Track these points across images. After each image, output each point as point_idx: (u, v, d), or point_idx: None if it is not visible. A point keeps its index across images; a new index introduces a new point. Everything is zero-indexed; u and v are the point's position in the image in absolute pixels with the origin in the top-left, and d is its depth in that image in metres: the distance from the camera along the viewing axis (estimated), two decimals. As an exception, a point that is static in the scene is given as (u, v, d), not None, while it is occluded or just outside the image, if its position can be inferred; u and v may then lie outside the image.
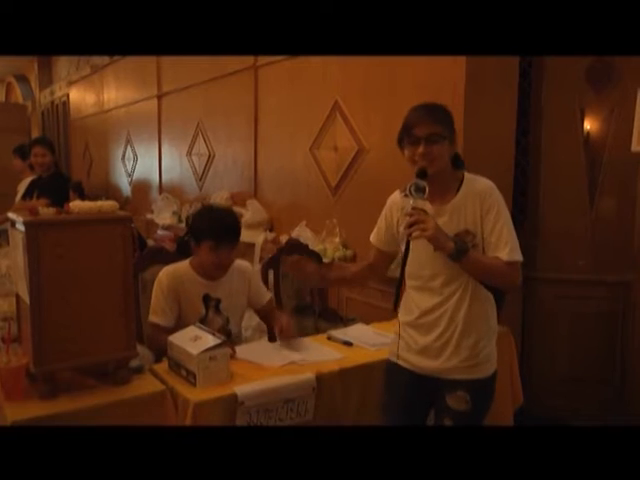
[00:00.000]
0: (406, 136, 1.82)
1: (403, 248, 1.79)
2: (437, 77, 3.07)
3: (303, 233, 3.96)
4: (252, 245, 4.36)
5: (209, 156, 5.35)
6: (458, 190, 1.84)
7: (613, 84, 3.21)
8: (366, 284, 2.14)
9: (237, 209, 4.65)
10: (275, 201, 4.52)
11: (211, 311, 2.44)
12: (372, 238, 2.06)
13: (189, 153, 5.70)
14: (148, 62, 6.16)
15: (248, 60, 4.54)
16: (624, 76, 3.16)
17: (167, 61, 5.88)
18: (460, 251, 1.73)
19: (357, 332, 2.52)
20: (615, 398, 3.29)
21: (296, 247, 3.17)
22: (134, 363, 1.96)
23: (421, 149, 1.77)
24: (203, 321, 2.35)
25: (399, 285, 1.82)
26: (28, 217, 1.73)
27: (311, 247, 3.34)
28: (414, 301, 1.90)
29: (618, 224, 3.25)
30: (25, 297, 1.77)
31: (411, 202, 1.74)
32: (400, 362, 1.95)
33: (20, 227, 1.74)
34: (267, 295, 2.64)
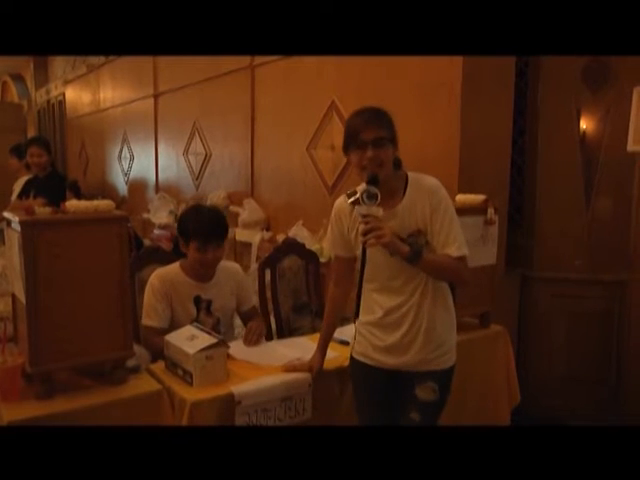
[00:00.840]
0: (352, 142, 1.81)
1: (359, 254, 1.78)
2: (434, 77, 3.07)
3: (300, 232, 3.95)
4: (249, 244, 4.37)
5: (206, 155, 5.35)
6: (405, 191, 1.85)
7: (609, 84, 3.22)
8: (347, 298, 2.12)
9: (234, 208, 4.66)
10: (272, 200, 4.51)
11: (202, 312, 2.45)
12: (331, 250, 2.04)
13: (186, 152, 5.69)
14: (144, 61, 6.14)
15: (244, 60, 4.53)
16: (620, 76, 3.17)
17: (163, 60, 5.87)
18: (416, 253, 1.75)
19: (353, 331, 2.51)
20: (611, 398, 3.30)
21: (293, 247, 3.17)
22: (131, 363, 1.95)
23: (369, 153, 1.76)
24: (195, 322, 2.35)
25: (359, 294, 1.83)
26: (24, 216, 1.72)
27: (308, 247, 3.33)
28: (376, 302, 1.90)
29: (614, 224, 3.26)
30: (21, 297, 1.77)
31: (363, 210, 1.72)
32: (366, 360, 1.96)
33: (16, 227, 1.74)
34: (252, 301, 2.67)
